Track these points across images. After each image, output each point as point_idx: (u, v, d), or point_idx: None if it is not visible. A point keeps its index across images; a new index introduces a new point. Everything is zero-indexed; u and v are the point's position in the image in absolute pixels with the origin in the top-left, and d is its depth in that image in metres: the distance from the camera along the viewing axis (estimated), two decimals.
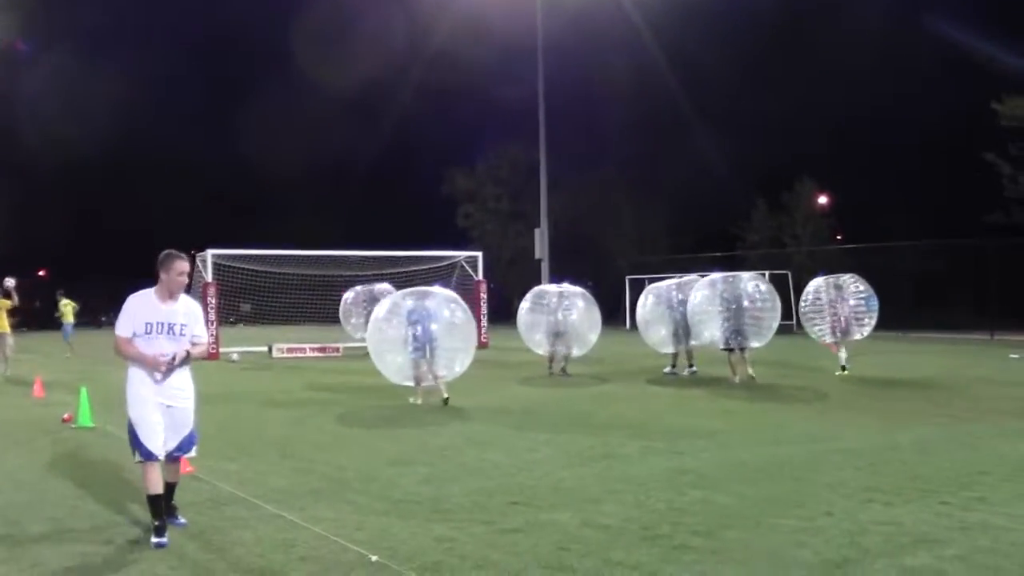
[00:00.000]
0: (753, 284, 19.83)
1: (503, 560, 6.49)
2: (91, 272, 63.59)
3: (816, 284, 21.71)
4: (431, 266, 36.35)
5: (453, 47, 55.95)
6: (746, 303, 19.35)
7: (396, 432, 13.04)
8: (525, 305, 22.80)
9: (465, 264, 36.37)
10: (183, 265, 7.45)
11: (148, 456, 7.29)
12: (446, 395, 16.18)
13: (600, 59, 56.41)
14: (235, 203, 70.79)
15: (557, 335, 21.99)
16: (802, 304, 21.93)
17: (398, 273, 35.14)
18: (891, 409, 14.74)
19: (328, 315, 34.51)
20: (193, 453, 7.79)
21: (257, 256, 33.06)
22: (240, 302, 37.07)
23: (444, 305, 16.76)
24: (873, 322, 21.38)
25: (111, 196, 69.67)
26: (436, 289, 17.44)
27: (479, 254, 36.92)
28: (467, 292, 34.37)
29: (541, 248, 51.05)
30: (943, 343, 33.59)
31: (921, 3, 55.38)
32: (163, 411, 7.38)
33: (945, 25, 50.06)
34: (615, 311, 46.54)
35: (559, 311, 21.98)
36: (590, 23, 50.84)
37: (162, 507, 7.37)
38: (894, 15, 55.94)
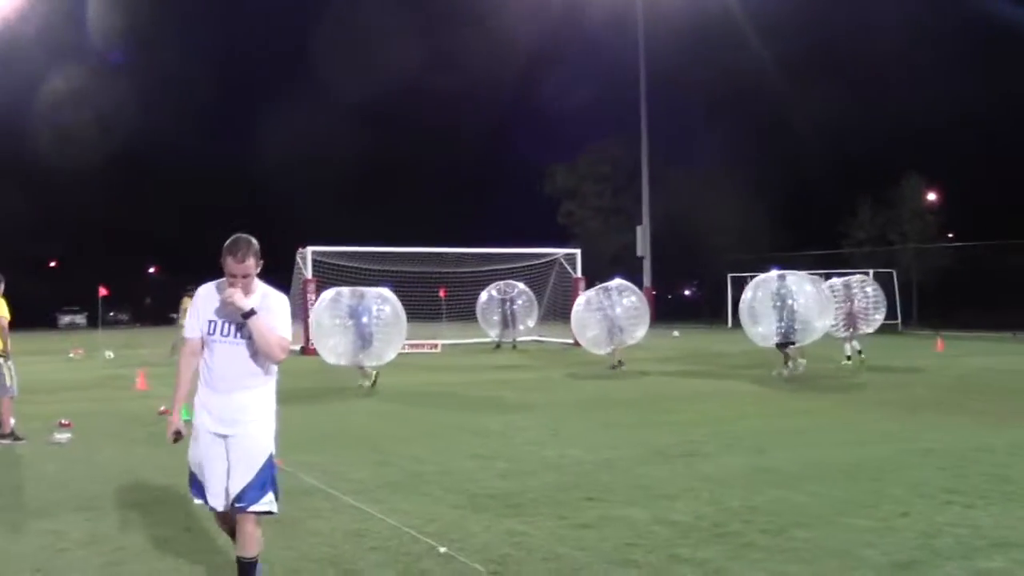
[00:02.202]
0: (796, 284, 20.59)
1: (569, 554, 6.55)
2: (201, 269, 65.08)
3: (830, 283, 23.33)
4: (530, 263, 36.50)
5: (556, 43, 56.04)
6: (791, 302, 20.21)
7: (479, 427, 13.17)
8: (580, 304, 23.84)
9: (564, 262, 36.42)
10: (232, 265, 5.52)
11: (207, 506, 5.79)
12: (373, 382, 18.70)
13: (702, 55, 55.89)
14: (340, 200, 71.74)
15: (612, 331, 22.88)
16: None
17: (497, 270, 35.41)
18: (989, 410, 14.39)
19: (429, 312, 34.91)
20: (265, 507, 5.65)
21: (357, 253, 33.52)
22: None
23: (375, 302, 19.37)
24: (881, 317, 23.54)
25: (218, 192, 71.15)
26: (371, 289, 20.01)
27: (577, 251, 36.93)
28: (566, 290, 34.54)
29: (643, 246, 50.89)
30: None
31: None
32: (221, 445, 5.62)
33: None
34: (718, 309, 46.20)
35: (613, 307, 23.00)
36: (691, 19, 50.41)
37: None
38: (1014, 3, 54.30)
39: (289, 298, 5.96)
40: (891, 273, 42.55)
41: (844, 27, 59.61)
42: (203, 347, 5.72)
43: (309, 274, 30.13)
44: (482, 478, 9.32)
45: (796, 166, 55.99)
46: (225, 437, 5.60)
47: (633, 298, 23.55)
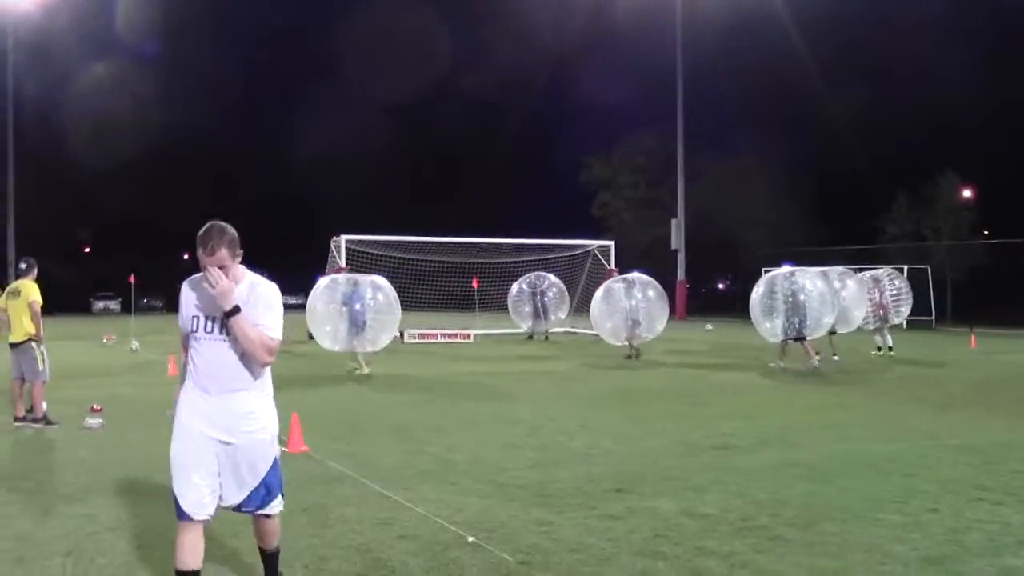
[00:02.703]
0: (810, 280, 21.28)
1: (597, 545, 6.58)
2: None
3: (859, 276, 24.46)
4: (564, 254, 36.50)
5: (593, 34, 55.94)
6: (802, 297, 20.84)
7: (510, 417, 13.20)
8: (598, 295, 24.57)
9: (598, 253, 36.39)
10: (203, 258, 5.00)
11: (180, 514, 5.10)
12: (368, 370, 19.40)
13: (739, 48, 55.60)
14: (374, 190, 71.98)
15: (632, 322, 23.71)
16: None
17: (531, 261, 35.44)
18: (1021, 408, 14.30)
19: (462, 302, 35.00)
20: (275, 509, 5.39)
21: (391, 242, 33.64)
22: None
23: (369, 289, 20.06)
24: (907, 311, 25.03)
25: (254, 181, 71.56)
26: (365, 276, 20.90)
27: (611, 243, 36.89)
28: (599, 282, 34.49)
29: (677, 238, 50.88)
30: None
31: None
32: (216, 450, 5.09)
33: None
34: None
35: (632, 299, 23.88)
36: (730, 12, 50.16)
37: None
38: None
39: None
40: (925, 269, 42.27)
41: (882, 23, 59.21)
42: (189, 344, 5.22)
43: (343, 262, 30.25)
44: (511, 468, 9.36)
45: (832, 160, 55.75)
46: (223, 444, 5.07)
47: (652, 292, 24.25)
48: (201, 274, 5.07)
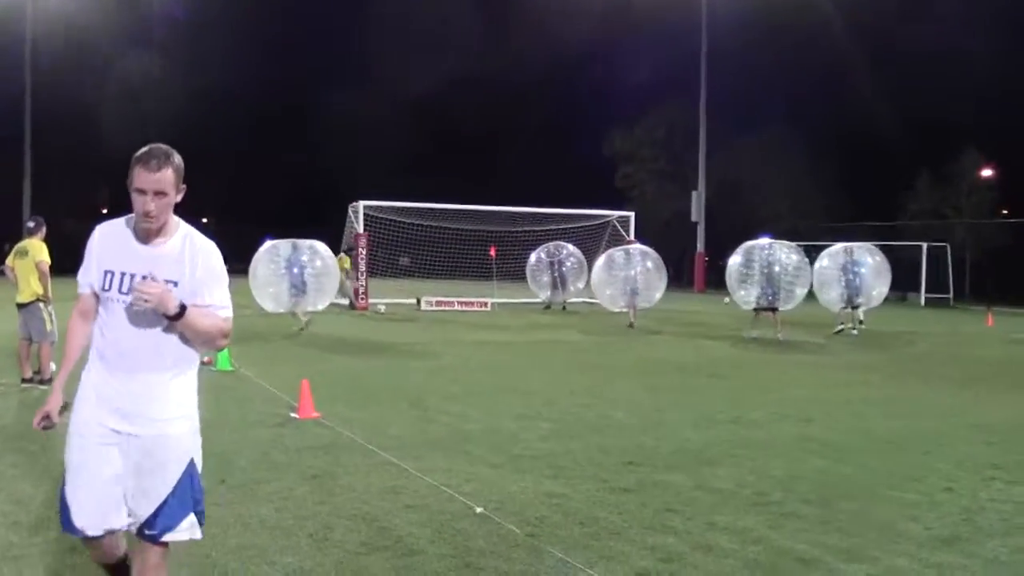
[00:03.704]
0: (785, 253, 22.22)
1: (607, 518, 6.51)
2: (246, 222, 65.89)
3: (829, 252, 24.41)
4: (583, 224, 36.33)
5: (619, 5, 55.33)
6: (777, 269, 21.74)
7: (525, 387, 13.11)
8: (600, 263, 26.09)
9: (617, 224, 36.22)
10: (143, 176, 3.86)
11: (69, 527, 4.02)
12: (303, 324, 20.62)
13: (765, 22, 54.92)
14: (396, 156, 71.79)
15: (629, 291, 25.12)
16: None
17: (551, 231, 35.31)
18: None
19: (480, 271, 34.92)
20: (184, 534, 4.03)
21: (409, 208, 33.55)
22: (400, 255, 37.74)
23: (307, 253, 21.43)
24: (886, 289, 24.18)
25: (274, 146, 71.37)
26: (304, 241, 21.91)
27: (631, 214, 36.70)
28: None
29: (697, 211, 50.67)
30: None
31: None
32: (123, 447, 3.93)
33: None
34: None
35: (632, 268, 25.31)
36: None
37: None
38: None
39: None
40: (945, 247, 41.99)
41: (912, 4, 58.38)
42: (97, 307, 4.10)
43: (361, 228, 30.18)
44: (525, 439, 9.29)
45: (854, 137, 55.15)
46: (127, 436, 3.92)
47: (650, 263, 25.72)
48: (120, 220, 4.10)
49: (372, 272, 32.31)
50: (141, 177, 3.85)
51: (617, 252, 26.30)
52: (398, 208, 33.05)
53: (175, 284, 3.90)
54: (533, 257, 33.10)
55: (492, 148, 74.62)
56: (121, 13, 55.60)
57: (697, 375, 14.90)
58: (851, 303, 23.12)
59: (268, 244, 21.83)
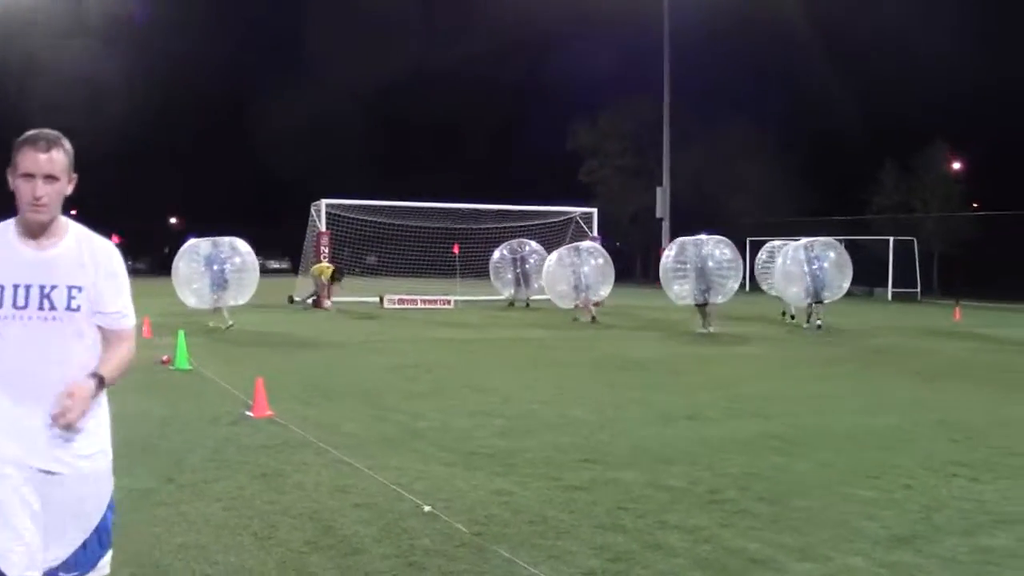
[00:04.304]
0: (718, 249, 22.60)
1: (557, 517, 6.34)
2: (218, 221, 65.47)
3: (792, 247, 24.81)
4: (546, 221, 36.21)
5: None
6: (711, 264, 22.07)
7: (484, 384, 12.96)
8: (552, 260, 27.25)
9: (580, 220, 36.11)
10: (31, 159, 3.37)
11: None
12: (231, 323, 20.88)
13: (729, 15, 54.95)
14: (357, 156, 71.48)
15: (577, 288, 26.20)
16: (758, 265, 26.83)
17: (513, 228, 35.17)
18: (1004, 382, 14.16)
19: (443, 268, 34.75)
20: (103, 571, 3.71)
21: (371, 207, 33.34)
22: (367, 254, 37.59)
23: (227, 251, 21.87)
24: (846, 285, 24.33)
25: (236, 147, 70.78)
26: (225, 238, 22.32)
27: (594, 211, 36.62)
28: None
29: (662, 207, 50.58)
30: None
31: None
32: (37, 486, 3.45)
33: None
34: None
35: (582, 265, 26.48)
36: None
37: None
38: None
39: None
40: (911, 241, 42.11)
41: None
42: None
43: (323, 227, 29.96)
44: (479, 436, 9.12)
45: (820, 130, 55.30)
46: (45, 475, 3.46)
47: (600, 260, 27.07)
48: (9, 221, 3.51)
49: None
50: (28, 159, 3.37)
51: (564, 250, 27.65)
52: (360, 206, 32.81)
53: (79, 289, 3.46)
54: (496, 254, 32.98)
55: (453, 144, 74.28)
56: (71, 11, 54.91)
57: (658, 372, 14.78)
58: (816, 298, 23.20)
59: (189, 242, 22.40)
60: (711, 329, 21.41)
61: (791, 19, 54.98)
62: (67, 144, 3.47)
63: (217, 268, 21.57)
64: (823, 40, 56.17)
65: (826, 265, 23.30)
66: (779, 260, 24.37)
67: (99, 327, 3.59)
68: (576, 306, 26.21)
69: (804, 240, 24.43)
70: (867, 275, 39.15)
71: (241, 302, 22.34)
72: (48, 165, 3.37)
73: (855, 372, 15.25)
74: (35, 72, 58.01)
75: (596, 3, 53.82)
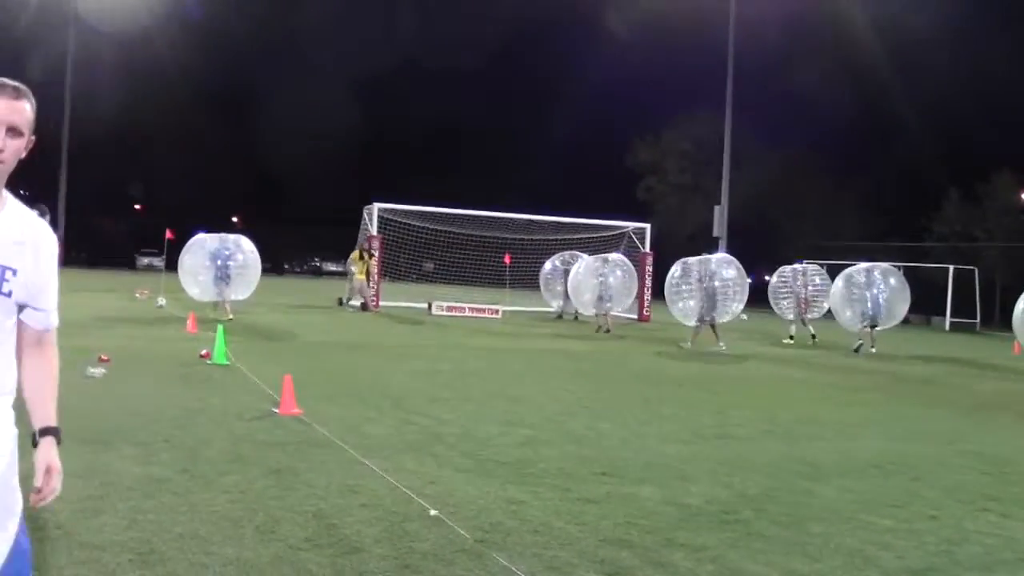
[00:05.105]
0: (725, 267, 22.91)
1: (564, 528, 6.23)
2: (269, 220, 66.37)
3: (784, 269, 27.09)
4: (598, 235, 36.02)
5: (646, 14, 54.97)
6: (717, 283, 22.29)
7: (517, 393, 12.86)
8: (580, 268, 28.35)
9: (633, 236, 35.90)
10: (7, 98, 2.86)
11: None
12: (231, 316, 21.76)
13: (795, 37, 54.51)
14: (416, 162, 71.87)
15: (601, 298, 27.11)
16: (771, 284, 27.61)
17: (565, 240, 35.05)
18: None
19: (493, 277, 34.73)
20: None
21: (424, 212, 33.37)
22: (425, 260, 37.71)
23: (232, 247, 23.03)
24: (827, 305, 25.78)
25: (292, 148, 71.30)
26: (231, 235, 23.74)
27: (647, 226, 36.37)
28: (635, 264, 34.07)
29: (719, 226, 50.21)
30: None
31: None
32: None
33: None
34: None
35: (608, 276, 27.45)
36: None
37: None
38: None
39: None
40: (972, 270, 41.36)
41: (945, 18, 57.66)
42: None
43: (374, 230, 30.06)
44: (500, 444, 9.02)
45: (883, 154, 54.60)
46: None
47: (622, 272, 27.99)
48: None
49: (394, 276, 32.28)
50: None
51: (593, 260, 28.44)
52: (413, 212, 32.86)
53: (14, 272, 2.88)
54: (548, 265, 32.92)
55: (512, 153, 74.24)
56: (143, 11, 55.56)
57: (693, 389, 14.59)
58: (872, 323, 23.30)
59: (198, 236, 23.45)
60: (721, 345, 21.39)
61: (859, 41, 54.40)
62: (32, 98, 2.95)
63: (221, 263, 22.73)
64: (890, 63, 55.43)
65: (885, 291, 23.41)
66: (837, 283, 24.53)
67: (21, 323, 3.00)
68: (597, 315, 27.20)
69: (863, 264, 24.58)
70: (925, 303, 38.56)
71: (243, 297, 23.44)
72: (14, 112, 2.86)
73: (894, 399, 14.95)
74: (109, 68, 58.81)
75: (659, 22, 53.65)
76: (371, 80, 72.05)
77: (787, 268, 27.06)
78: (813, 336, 25.45)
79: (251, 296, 23.95)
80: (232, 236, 23.80)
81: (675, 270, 22.94)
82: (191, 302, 23.04)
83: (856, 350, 22.88)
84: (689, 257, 23.48)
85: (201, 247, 23.01)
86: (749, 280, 23.01)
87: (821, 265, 28.64)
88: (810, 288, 26.20)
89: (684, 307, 22.45)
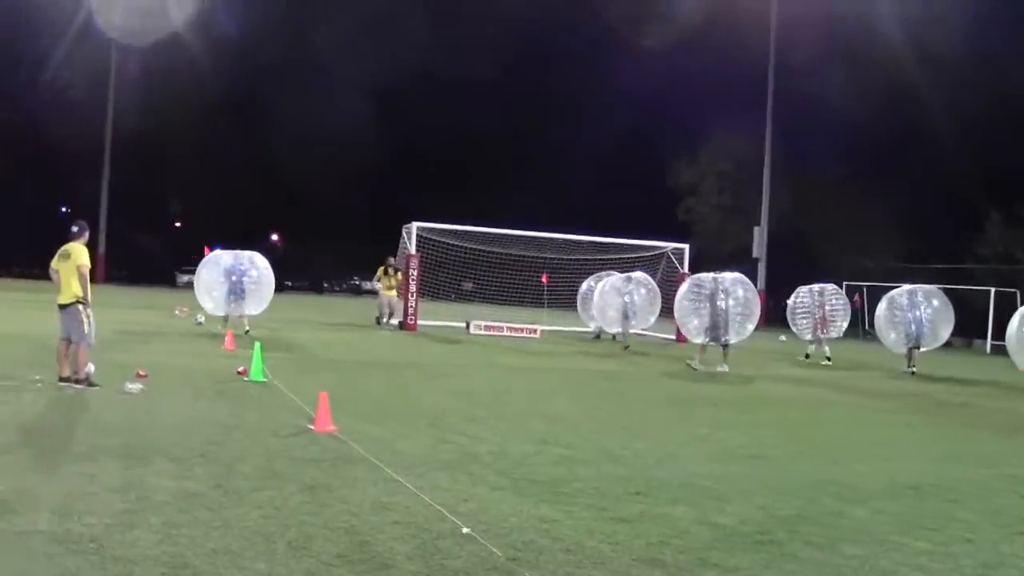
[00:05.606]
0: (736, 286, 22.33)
1: (596, 548, 6.24)
2: (315, 239, 66.73)
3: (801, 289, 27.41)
4: (636, 255, 35.92)
5: (687, 34, 54.88)
6: (731, 302, 21.84)
7: (553, 413, 12.82)
8: (606, 286, 28.99)
9: (672, 256, 35.79)
10: None
11: None
12: (247, 328, 22.79)
13: (835, 55, 54.18)
14: (454, 178, 72.04)
15: (626, 316, 28.06)
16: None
17: (603, 260, 34.96)
18: None
19: (532, 297, 34.74)
20: None
21: (462, 232, 33.44)
22: (465, 280, 37.78)
23: (247, 263, 23.59)
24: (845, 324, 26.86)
25: (331, 167, 71.61)
26: (245, 252, 24.18)
27: (686, 246, 36.21)
28: (673, 285, 33.96)
29: (759, 247, 50.11)
30: None
31: None
32: None
33: None
34: None
35: (633, 295, 28.25)
36: (826, 16, 49.02)
37: None
38: None
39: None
40: (1014, 293, 40.88)
41: (988, 40, 57.14)
42: None
43: (413, 249, 30.16)
44: (535, 463, 9.04)
45: (925, 176, 54.06)
46: None
47: (646, 291, 28.77)
48: None
49: (434, 295, 32.38)
50: None
51: (618, 279, 29.04)
52: (451, 231, 32.94)
53: None
54: (584, 285, 32.85)
55: (552, 171, 74.13)
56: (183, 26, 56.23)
57: (729, 410, 14.49)
58: (915, 344, 23.33)
59: (214, 252, 24.06)
60: (725, 368, 20.93)
61: (900, 62, 53.96)
62: None
63: (236, 279, 23.22)
64: (930, 84, 54.94)
65: (929, 312, 23.37)
66: (881, 305, 24.59)
67: None
68: (623, 334, 28.11)
69: (906, 287, 24.54)
70: (966, 326, 38.16)
71: (257, 312, 23.91)
72: None
73: (934, 422, 14.82)
74: (149, 86, 59.49)
75: (699, 41, 53.60)
76: (404, 97, 72.02)
77: (804, 288, 27.24)
78: (828, 358, 25.56)
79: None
80: (247, 253, 24.30)
81: (685, 287, 22.85)
82: (229, 320, 23.25)
83: (911, 372, 22.92)
84: (703, 273, 23.34)
85: (216, 263, 23.64)
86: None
87: (861, 287, 28.70)
88: (827, 307, 26.37)
89: (695, 325, 22.12)
